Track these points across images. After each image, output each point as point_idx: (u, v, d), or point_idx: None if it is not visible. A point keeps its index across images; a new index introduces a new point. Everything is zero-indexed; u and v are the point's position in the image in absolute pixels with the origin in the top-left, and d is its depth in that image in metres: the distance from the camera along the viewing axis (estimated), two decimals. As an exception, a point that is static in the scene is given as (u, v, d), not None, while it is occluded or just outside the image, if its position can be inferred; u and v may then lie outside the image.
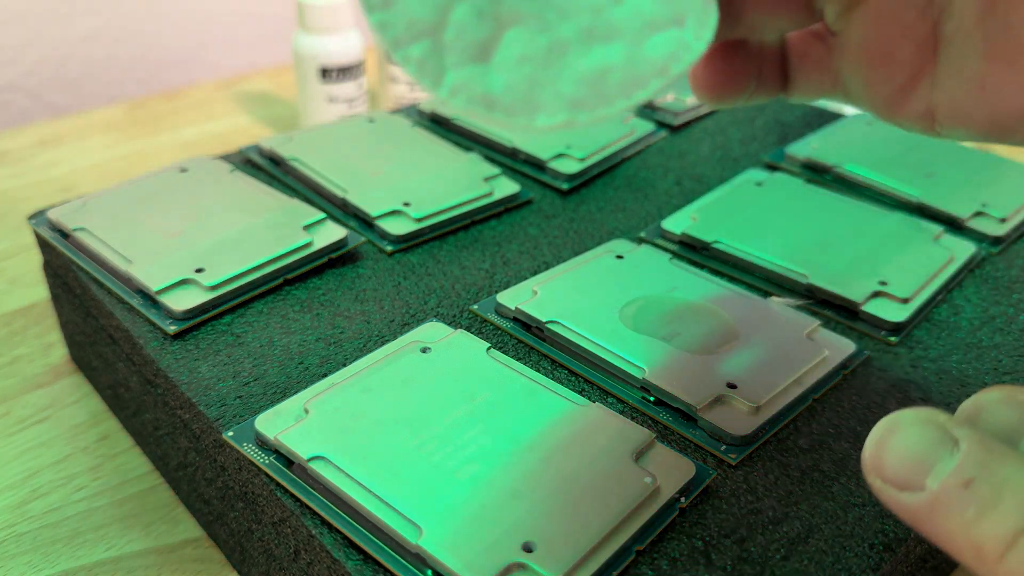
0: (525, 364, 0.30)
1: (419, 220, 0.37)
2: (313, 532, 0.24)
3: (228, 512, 0.30)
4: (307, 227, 0.35)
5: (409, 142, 0.43)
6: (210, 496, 0.31)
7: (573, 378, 0.30)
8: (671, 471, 0.25)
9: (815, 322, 0.32)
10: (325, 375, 0.29)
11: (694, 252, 0.37)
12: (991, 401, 0.18)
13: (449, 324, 0.32)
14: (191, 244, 0.34)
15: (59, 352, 0.42)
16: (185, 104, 0.69)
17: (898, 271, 0.34)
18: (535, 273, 0.35)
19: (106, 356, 0.36)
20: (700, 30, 0.18)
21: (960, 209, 0.38)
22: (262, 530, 0.28)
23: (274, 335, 0.32)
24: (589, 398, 0.28)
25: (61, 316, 0.40)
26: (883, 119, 0.23)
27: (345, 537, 0.24)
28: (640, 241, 0.37)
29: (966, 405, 0.18)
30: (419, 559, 0.23)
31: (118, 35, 0.70)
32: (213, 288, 0.32)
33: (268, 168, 0.42)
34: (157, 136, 0.64)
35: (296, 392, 0.28)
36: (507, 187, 0.40)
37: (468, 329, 0.32)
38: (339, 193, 0.38)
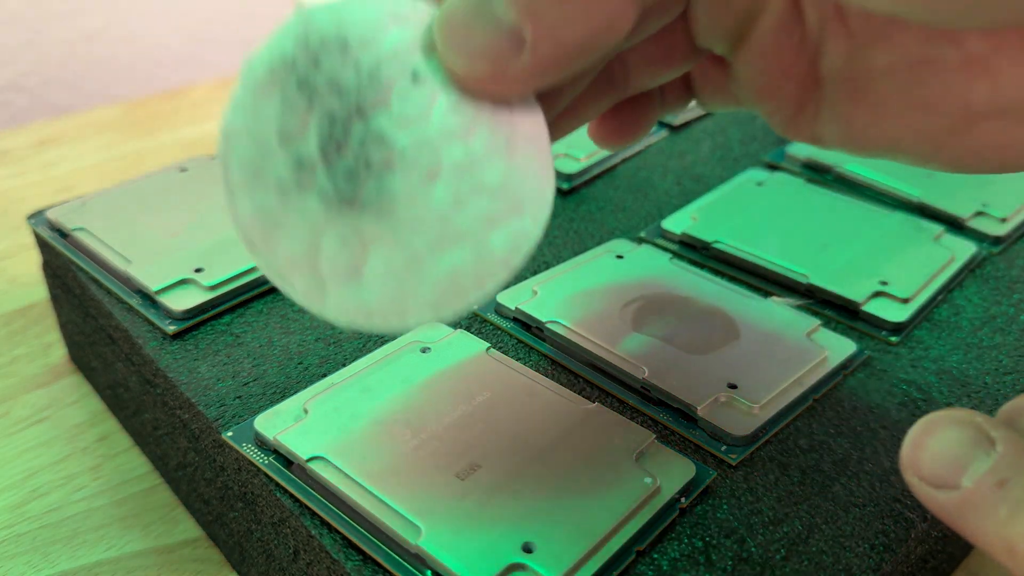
0: (525, 364, 0.30)
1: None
2: (312, 532, 0.24)
3: (227, 512, 0.30)
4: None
5: None
6: (209, 496, 0.31)
7: (573, 378, 0.30)
8: (671, 471, 0.25)
9: (815, 322, 0.32)
10: (325, 375, 0.29)
11: (694, 252, 0.37)
12: None
13: (449, 324, 0.32)
14: (190, 244, 0.34)
15: (58, 352, 0.42)
16: (185, 104, 0.69)
17: (899, 271, 0.34)
18: (535, 273, 0.35)
19: (105, 356, 0.36)
20: (538, 213, 0.19)
21: (961, 209, 0.38)
22: (261, 530, 0.28)
23: (273, 335, 0.32)
24: (589, 398, 0.28)
25: (60, 316, 0.40)
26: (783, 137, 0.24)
27: (344, 537, 0.24)
28: (640, 241, 0.37)
29: (1006, 407, 0.19)
30: (419, 559, 0.23)
31: (118, 35, 0.70)
32: (212, 288, 0.32)
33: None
34: (157, 136, 0.64)
35: (295, 392, 0.28)
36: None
37: (468, 329, 0.31)
38: None
